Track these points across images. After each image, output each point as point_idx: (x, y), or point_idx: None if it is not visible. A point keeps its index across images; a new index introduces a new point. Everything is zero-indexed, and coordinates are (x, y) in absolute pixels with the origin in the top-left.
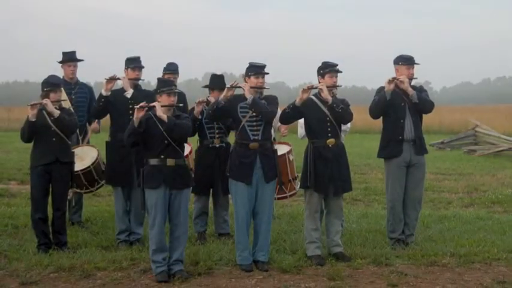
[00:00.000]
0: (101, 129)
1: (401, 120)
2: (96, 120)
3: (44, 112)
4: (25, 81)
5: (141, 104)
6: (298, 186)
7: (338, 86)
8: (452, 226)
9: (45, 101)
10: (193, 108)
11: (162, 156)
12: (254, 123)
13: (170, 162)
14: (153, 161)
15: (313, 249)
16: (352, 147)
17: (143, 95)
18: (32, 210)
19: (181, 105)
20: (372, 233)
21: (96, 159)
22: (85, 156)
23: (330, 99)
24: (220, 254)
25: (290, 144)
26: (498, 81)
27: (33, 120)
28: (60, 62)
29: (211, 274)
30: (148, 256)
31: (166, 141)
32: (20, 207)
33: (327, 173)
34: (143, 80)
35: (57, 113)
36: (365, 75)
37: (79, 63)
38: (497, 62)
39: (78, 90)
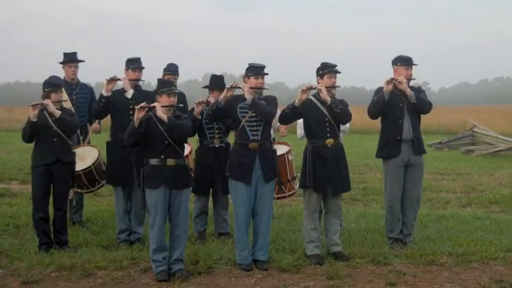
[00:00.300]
0: (101, 130)
1: (400, 121)
2: (97, 121)
3: (45, 112)
4: (26, 81)
5: (142, 105)
6: (297, 186)
7: (337, 86)
8: (450, 226)
9: (47, 101)
10: (193, 109)
11: (162, 156)
12: (254, 124)
13: (170, 162)
14: (154, 161)
15: (312, 248)
16: (350, 147)
17: (143, 96)
18: (33, 210)
19: (181, 105)
20: (371, 232)
21: (97, 159)
22: (86, 156)
23: (328, 99)
24: (220, 254)
25: (289, 144)
26: (496, 82)
27: (35, 120)
28: (61, 63)
29: (211, 273)
30: (148, 255)
31: (166, 142)
32: (21, 207)
33: (326, 173)
34: (143, 80)
35: (58, 113)
36: (364, 75)
37: (80, 64)
38: (495, 62)
39: (79, 90)
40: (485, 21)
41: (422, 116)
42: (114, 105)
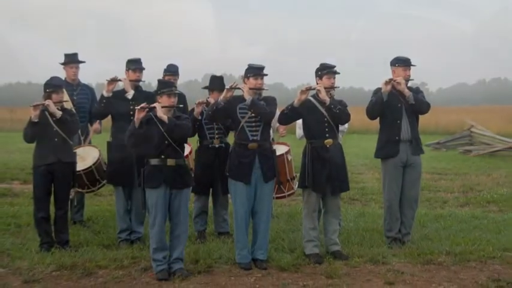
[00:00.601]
0: (102, 130)
1: (398, 121)
2: (98, 121)
3: (46, 113)
4: (27, 82)
5: (142, 105)
6: (297, 185)
7: (336, 87)
8: (448, 225)
9: (48, 102)
10: (193, 109)
11: (162, 156)
12: (253, 124)
13: (170, 162)
14: (154, 161)
15: (311, 247)
16: (349, 147)
17: (144, 96)
18: (34, 210)
19: (181, 106)
20: (369, 231)
21: (98, 159)
22: (87, 156)
23: (327, 100)
24: (219, 253)
25: (288, 144)
26: (493, 82)
27: (36, 121)
28: (62, 64)
29: (211, 272)
30: (149, 254)
31: (166, 142)
32: (22, 207)
33: (325, 173)
34: (144, 81)
35: (59, 113)
36: (362, 76)
37: (80, 65)
38: (493, 63)
39: (80, 91)
40: (483, 22)
41: (420, 116)
42: (115, 105)
